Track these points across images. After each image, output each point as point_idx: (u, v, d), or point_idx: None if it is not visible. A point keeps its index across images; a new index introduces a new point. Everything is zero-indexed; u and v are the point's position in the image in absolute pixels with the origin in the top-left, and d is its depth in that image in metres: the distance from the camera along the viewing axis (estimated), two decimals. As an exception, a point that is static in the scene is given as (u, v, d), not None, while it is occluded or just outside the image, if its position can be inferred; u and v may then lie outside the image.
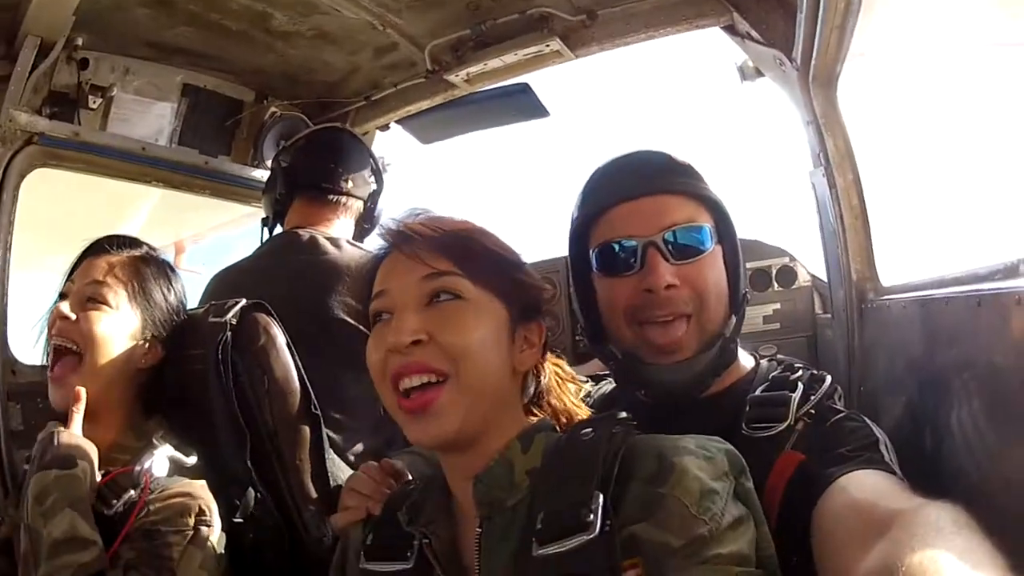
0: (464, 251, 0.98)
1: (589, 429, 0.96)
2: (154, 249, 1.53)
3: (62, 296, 1.41)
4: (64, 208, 2.47)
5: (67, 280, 1.43)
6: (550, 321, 1.09)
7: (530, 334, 1.03)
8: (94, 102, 2.18)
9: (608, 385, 1.45)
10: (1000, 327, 0.88)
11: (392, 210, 1.86)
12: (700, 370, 1.21)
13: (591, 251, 1.27)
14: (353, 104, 2.64)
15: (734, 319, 1.25)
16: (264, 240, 2.19)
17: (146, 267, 1.46)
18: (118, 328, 1.37)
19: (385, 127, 2.71)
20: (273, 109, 2.63)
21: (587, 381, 1.45)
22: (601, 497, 0.85)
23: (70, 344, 1.35)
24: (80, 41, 2.06)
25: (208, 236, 3.41)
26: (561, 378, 1.14)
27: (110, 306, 1.37)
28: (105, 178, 2.27)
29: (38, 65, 1.93)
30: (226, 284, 1.98)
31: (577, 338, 2.65)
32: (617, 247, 1.22)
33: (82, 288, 1.39)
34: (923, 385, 1.24)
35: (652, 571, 0.81)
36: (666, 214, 1.21)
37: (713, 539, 0.81)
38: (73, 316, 1.35)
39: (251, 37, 2.21)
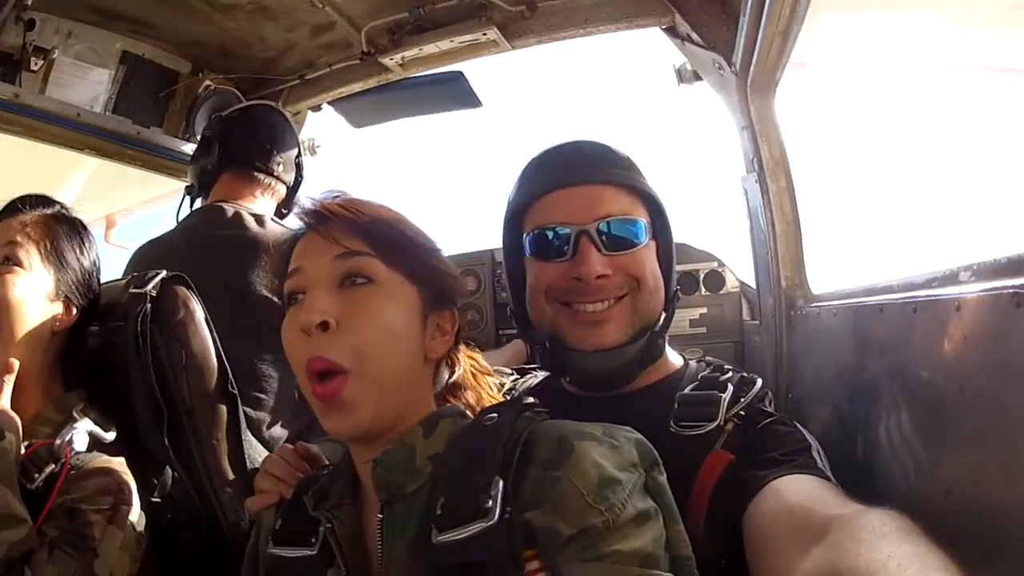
0: (379, 233, 0.96)
1: (494, 414, 0.93)
2: (66, 208, 1.47)
3: None
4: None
5: None
6: (474, 314, 1.05)
7: (443, 321, 1.01)
8: (36, 64, 2.12)
9: (534, 379, 1.43)
10: (937, 334, 0.87)
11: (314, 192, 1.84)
12: (627, 360, 1.20)
13: (525, 236, 1.26)
14: (287, 82, 2.60)
15: (664, 314, 1.25)
16: (188, 211, 2.15)
17: (58, 225, 1.41)
18: (32, 289, 1.34)
19: (317, 108, 2.68)
20: (208, 83, 2.58)
21: (512, 374, 1.44)
22: (501, 483, 0.81)
23: None
24: (29, 1, 2.00)
25: (138, 211, 3.36)
26: (478, 371, 1.14)
27: (23, 267, 1.34)
28: (40, 143, 2.22)
29: (-14, 25, 1.86)
30: (149, 257, 1.94)
31: (500, 332, 2.62)
32: (551, 234, 1.21)
33: None
34: (853, 392, 1.23)
35: (547, 561, 0.78)
36: (601, 204, 1.20)
37: (610, 532, 0.77)
38: None
39: (192, 7, 2.15)
